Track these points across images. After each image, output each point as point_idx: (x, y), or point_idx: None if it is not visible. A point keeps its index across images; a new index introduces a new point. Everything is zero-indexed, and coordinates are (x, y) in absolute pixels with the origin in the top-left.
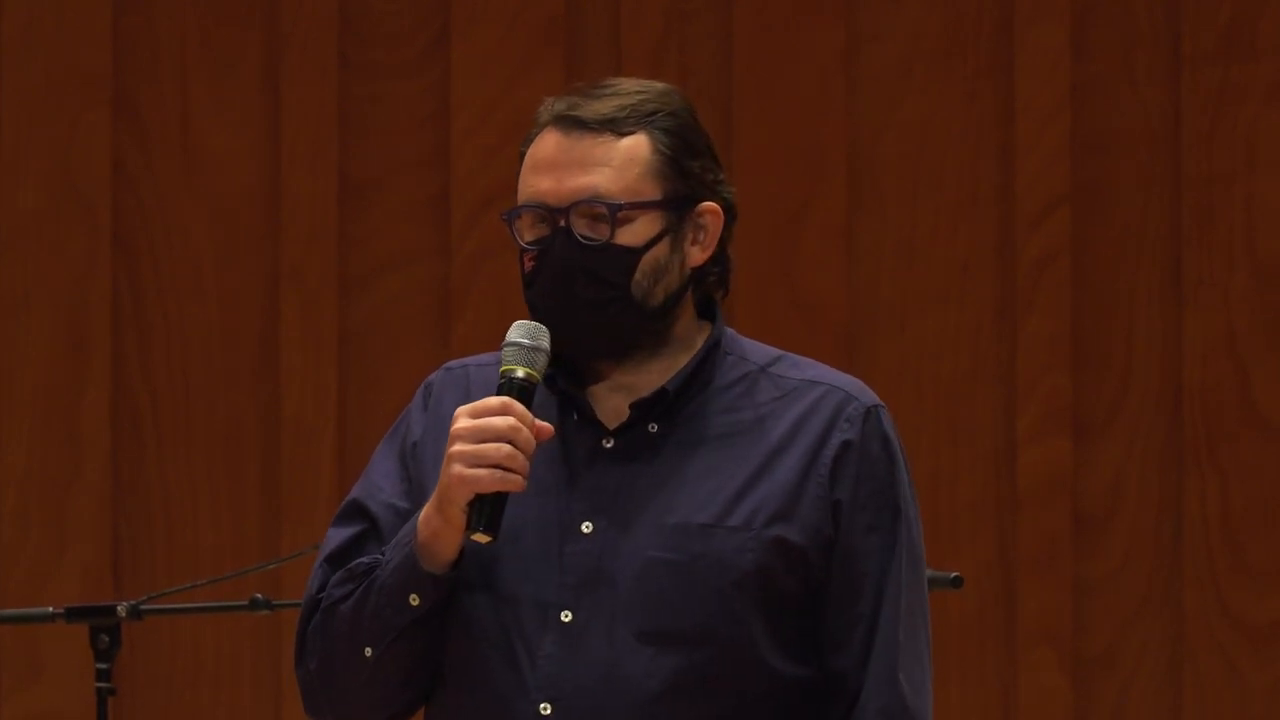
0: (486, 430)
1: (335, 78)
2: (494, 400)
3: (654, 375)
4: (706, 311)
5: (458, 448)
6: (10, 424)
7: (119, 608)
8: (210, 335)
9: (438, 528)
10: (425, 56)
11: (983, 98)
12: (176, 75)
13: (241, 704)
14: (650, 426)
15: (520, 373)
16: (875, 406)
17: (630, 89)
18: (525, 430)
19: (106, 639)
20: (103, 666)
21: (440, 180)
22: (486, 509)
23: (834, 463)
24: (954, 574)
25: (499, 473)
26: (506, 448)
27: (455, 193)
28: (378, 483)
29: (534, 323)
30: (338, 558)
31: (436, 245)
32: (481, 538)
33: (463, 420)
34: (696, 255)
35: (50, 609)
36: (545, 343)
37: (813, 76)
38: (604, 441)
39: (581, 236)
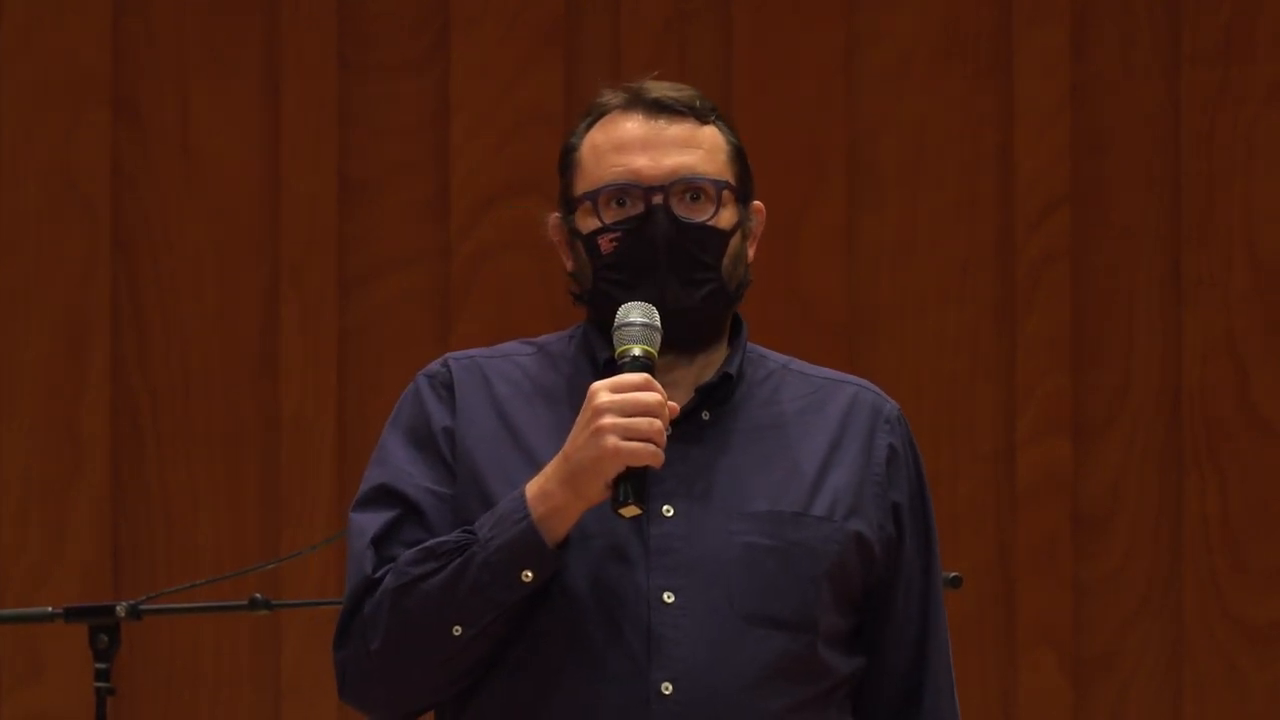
0: (637, 404)
1: (335, 78)
2: (636, 376)
3: (696, 368)
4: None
5: (609, 420)
6: (10, 424)
7: (118, 607)
8: (210, 335)
9: (561, 503)
10: (425, 57)
11: (982, 98)
12: (176, 76)
13: (241, 704)
14: (704, 414)
15: (638, 350)
16: (901, 411)
17: (680, 86)
18: (666, 407)
19: (106, 639)
20: (102, 666)
21: (440, 180)
22: (635, 482)
23: (887, 465)
24: (954, 574)
25: (651, 446)
26: (658, 422)
27: (455, 193)
28: (404, 469)
29: (646, 303)
30: (382, 540)
31: (436, 245)
32: (633, 510)
33: (605, 394)
34: (750, 251)
35: (50, 609)
36: (658, 321)
37: (812, 76)
38: None
39: (680, 215)
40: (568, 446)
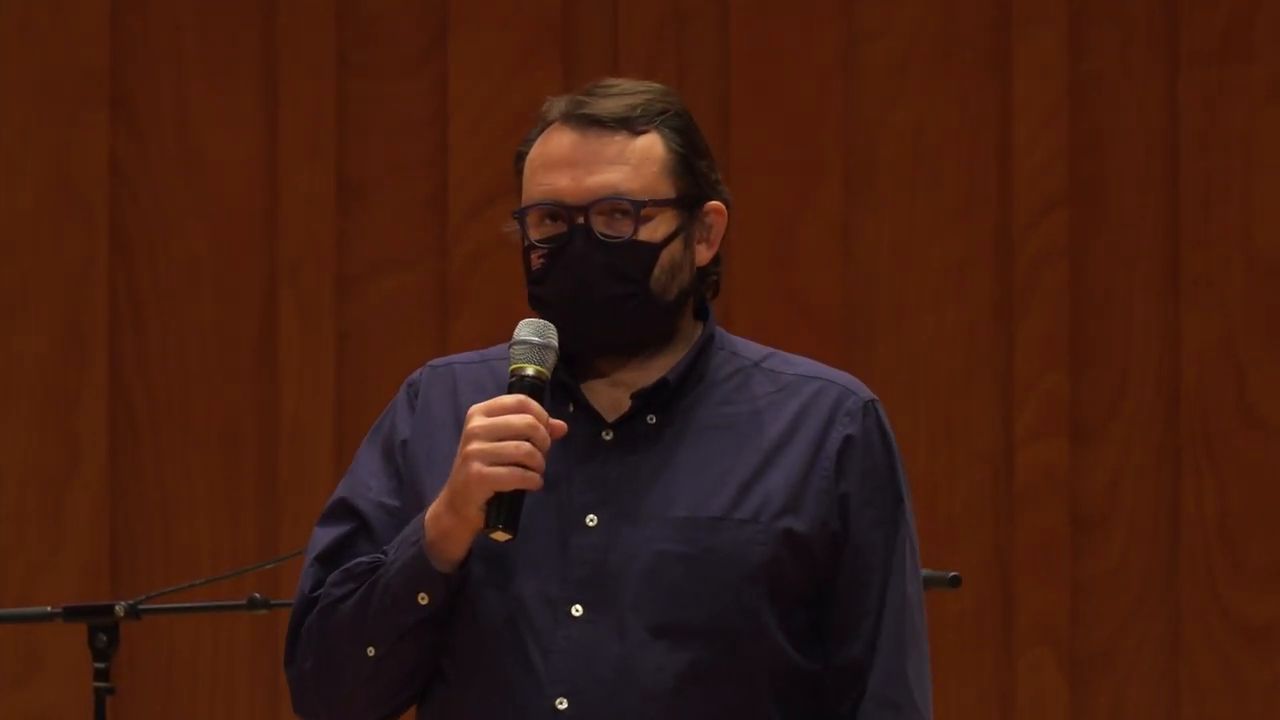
0: (504, 428)
1: (333, 77)
2: (510, 398)
3: (653, 371)
4: (699, 311)
5: (475, 446)
6: (8, 423)
7: (117, 607)
8: (208, 335)
9: (449, 526)
10: (423, 56)
11: (980, 97)
12: (174, 74)
13: (239, 703)
14: (649, 418)
15: (530, 370)
16: (872, 401)
17: (635, 89)
18: (542, 428)
19: (104, 638)
20: (100, 666)
21: (438, 180)
22: (505, 507)
23: (838, 456)
24: (952, 573)
25: (519, 470)
26: (526, 445)
27: (453, 193)
28: (365, 481)
29: (542, 320)
30: (329, 557)
31: (434, 245)
32: (501, 536)
33: (478, 418)
34: (703, 254)
35: (48, 608)
36: (554, 340)
37: (810, 75)
38: (603, 434)
39: (601, 234)
40: (451, 471)
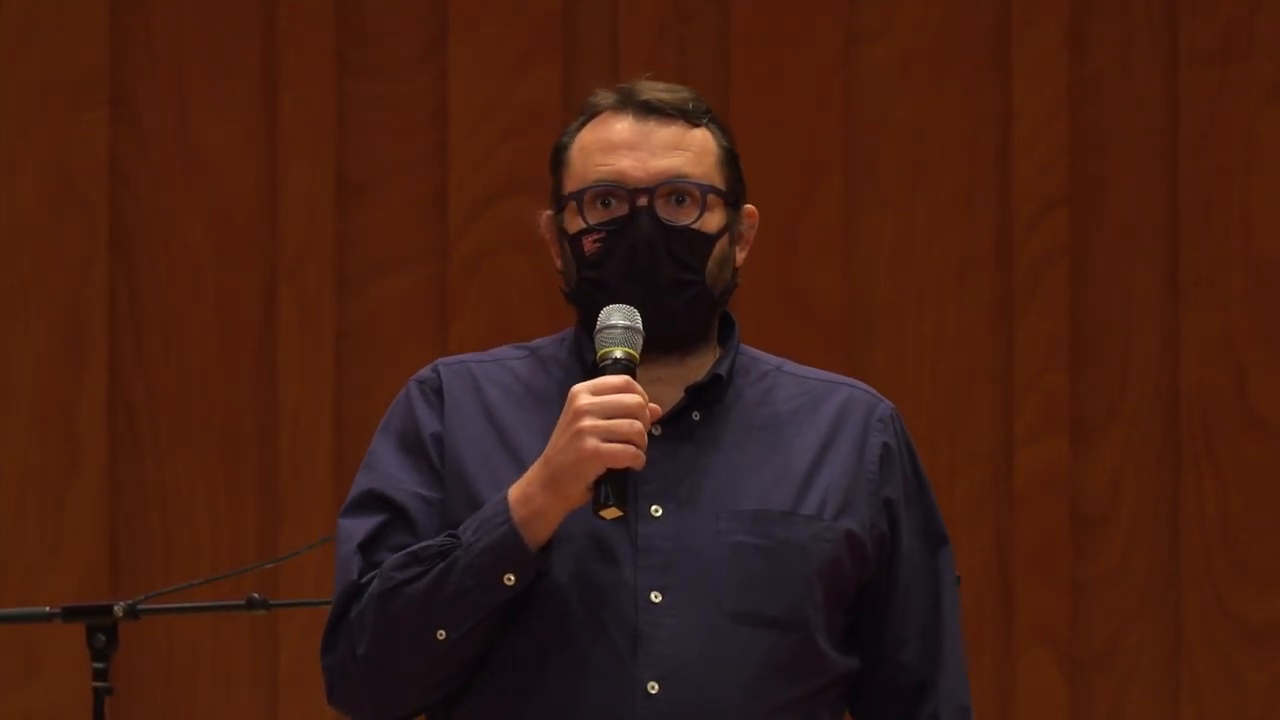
0: (617, 406)
1: (333, 77)
2: (616, 378)
3: (688, 369)
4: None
5: (589, 423)
6: (7, 423)
7: (116, 607)
8: (207, 334)
9: (544, 505)
10: (423, 56)
11: (980, 97)
12: (174, 74)
13: (238, 703)
14: (694, 415)
15: (619, 353)
16: (895, 410)
17: (675, 87)
18: (647, 409)
19: (103, 638)
20: (99, 666)
21: (438, 180)
22: (616, 484)
23: (880, 463)
24: None
25: (631, 448)
26: (638, 424)
27: (453, 193)
28: (393, 474)
29: (627, 306)
30: (369, 545)
31: (434, 245)
32: (614, 512)
33: (586, 397)
34: (739, 255)
35: (47, 608)
36: (639, 324)
37: (810, 76)
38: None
39: (664, 217)
40: (549, 449)
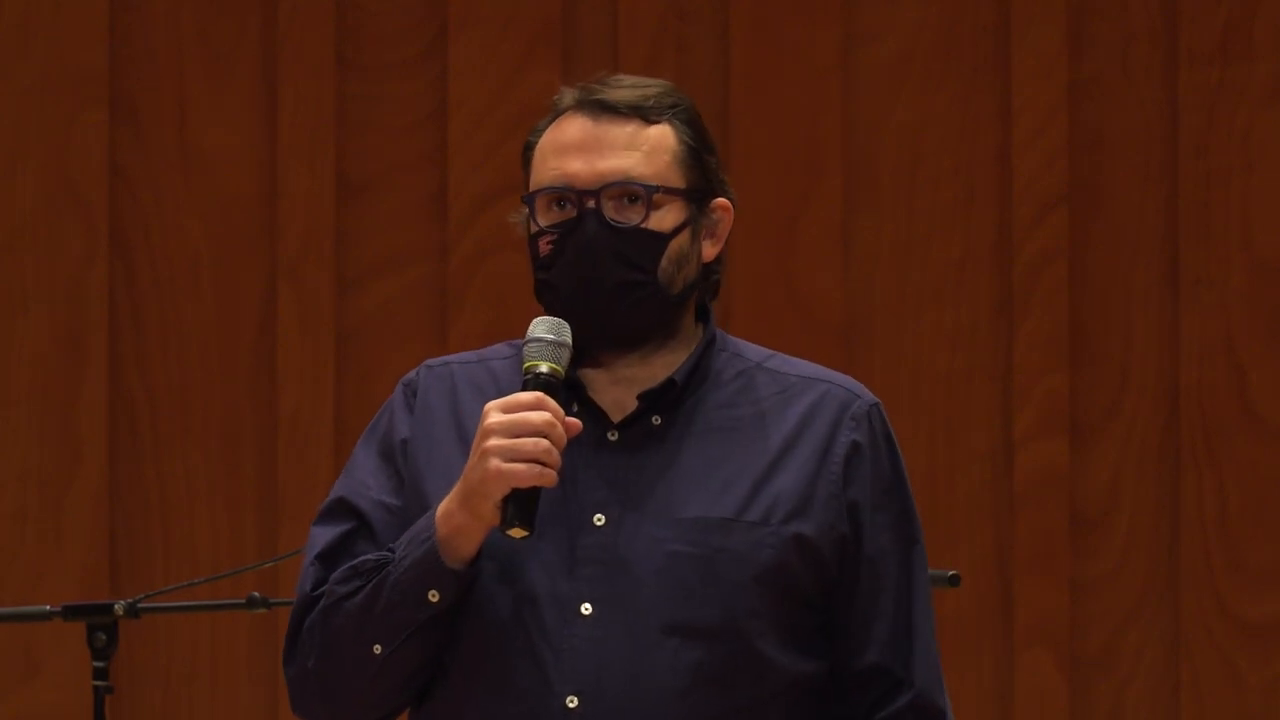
0: (523, 425)
1: (332, 77)
2: (527, 395)
3: (655, 369)
4: (699, 313)
5: (493, 442)
6: (7, 423)
7: (116, 606)
8: (207, 334)
9: (461, 523)
10: (423, 56)
11: (979, 97)
12: (173, 74)
13: (238, 702)
14: (654, 419)
15: (544, 368)
16: (876, 404)
17: (646, 82)
18: (559, 425)
19: (104, 637)
20: (100, 665)
21: (438, 179)
22: (523, 504)
23: (845, 463)
24: (951, 573)
25: (537, 468)
26: (544, 442)
27: (453, 192)
28: (363, 480)
29: (555, 318)
30: (329, 556)
31: (434, 244)
32: (518, 533)
33: (495, 415)
34: (709, 250)
35: (47, 607)
36: (568, 338)
37: (809, 76)
38: (608, 433)
39: (611, 219)
40: (465, 467)
